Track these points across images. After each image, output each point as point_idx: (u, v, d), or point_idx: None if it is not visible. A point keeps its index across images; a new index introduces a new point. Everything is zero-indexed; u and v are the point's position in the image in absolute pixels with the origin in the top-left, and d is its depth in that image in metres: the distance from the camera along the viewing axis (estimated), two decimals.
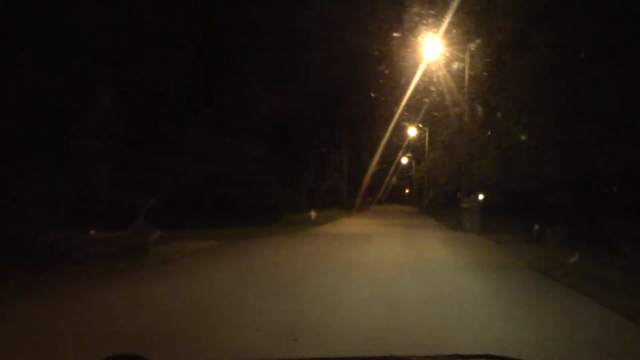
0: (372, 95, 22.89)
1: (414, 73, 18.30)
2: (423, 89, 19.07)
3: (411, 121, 32.72)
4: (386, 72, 18.59)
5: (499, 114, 16.86)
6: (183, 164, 14.51)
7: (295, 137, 26.53)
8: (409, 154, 46.08)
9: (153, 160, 14.40)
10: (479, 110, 17.97)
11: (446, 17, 15.42)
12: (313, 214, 21.88)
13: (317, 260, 9.20)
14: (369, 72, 24.82)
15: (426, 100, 20.48)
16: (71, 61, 13.04)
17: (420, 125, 30.87)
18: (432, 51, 18.02)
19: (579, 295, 6.25)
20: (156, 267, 8.12)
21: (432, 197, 36.58)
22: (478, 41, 16.12)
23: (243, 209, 17.84)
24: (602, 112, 11.16)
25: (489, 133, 18.12)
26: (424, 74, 18.16)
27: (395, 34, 17.06)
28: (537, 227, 13.37)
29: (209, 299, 5.68)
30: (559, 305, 5.84)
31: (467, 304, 5.71)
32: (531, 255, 10.82)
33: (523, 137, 15.14)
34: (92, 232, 10.55)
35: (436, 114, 20.66)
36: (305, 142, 28.68)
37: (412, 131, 36.74)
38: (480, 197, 19.54)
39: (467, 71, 17.35)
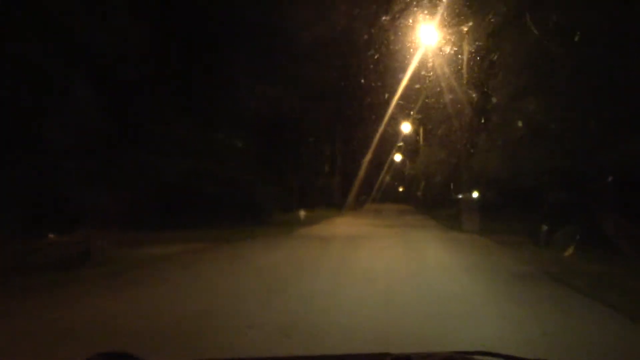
0: (362, 81, 21.58)
1: (409, 62, 17.10)
2: (419, 79, 17.91)
3: (405, 115, 31.56)
4: (376, 57, 17.36)
5: (497, 101, 15.88)
6: (162, 160, 13.29)
7: (287, 133, 25.41)
8: (403, 151, 45.13)
9: (129, 155, 13.22)
10: (479, 98, 16.86)
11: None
12: (302, 213, 20.79)
13: (301, 271, 8.05)
14: (363, 66, 23.70)
15: (422, 90, 19.28)
16: (41, 51, 11.88)
17: (416, 117, 29.70)
18: (429, 37, 16.79)
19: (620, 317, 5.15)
20: (83, 283, 6.42)
21: (424, 191, 35.69)
22: (471, 24, 15.06)
23: (228, 209, 16.73)
24: (601, 104, 10.60)
25: (490, 124, 17.06)
26: (419, 64, 17.01)
27: (386, 19, 15.94)
28: (545, 227, 12.32)
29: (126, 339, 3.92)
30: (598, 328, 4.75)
31: (481, 324, 4.62)
32: (542, 259, 9.78)
33: (520, 125, 14.27)
34: (50, 235, 9.40)
35: (431, 99, 19.43)
36: (297, 138, 27.56)
37: (406, 127, 35.63)
38: (475, 194, 18.56)
39: (465, 55, 16.23)
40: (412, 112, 28.73)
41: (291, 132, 26.04)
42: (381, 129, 30.90)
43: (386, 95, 22.74)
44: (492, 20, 14.04)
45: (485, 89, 16.31)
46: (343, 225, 19.91)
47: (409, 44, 15.59)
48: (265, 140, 22.42)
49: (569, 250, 10.04)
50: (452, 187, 29.78)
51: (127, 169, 12.40)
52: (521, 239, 13.65)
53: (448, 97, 18.44)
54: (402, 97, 21.43)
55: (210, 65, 17.66)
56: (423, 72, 17.28)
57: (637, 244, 9.20)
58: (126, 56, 13.14)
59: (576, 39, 10.61)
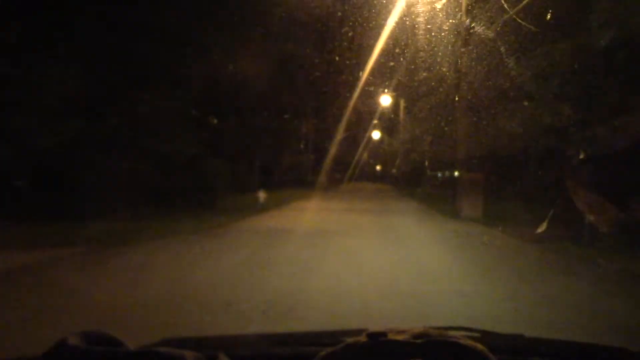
0: (337, 58, 18.47)
1: (383, 37, 13.84)
2: (394, 56, 14.96)
3: (382, 92, 27.98)
4: (351, 34, 14.45)
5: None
6: (28, 120, 8.89)
7: (251, 103, 21.45)
8: (381, 129, 41.63)
9: None
10: (455, 75, 13.74)
11: None
12: (262, 195, 16.75)
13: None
14: (337, 42, 20.24)
15: (397, 67, 16.24)
16: None
17: (393, 94, 26.69)
18: (404, 11, 13.28)
19: None
20: None
21: (403, 170, 33.16)
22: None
23: (158, 191, 12.65)
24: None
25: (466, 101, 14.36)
26: (394, 40, 13.75)
27: None
28: (589, 219, 8.67)
29: None
30: None
31: None
32: (618, 279, 6.04)
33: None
34: None
35: (406, 77, 16.73)
36: (262, 109, 23.62)
37: (385, 101, 31.82)
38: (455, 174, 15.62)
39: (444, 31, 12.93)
40: (386, 90, 26.34)
41: (257, 103, 22.18)
42: (352, 102, 27.30)
43: (361, 73, 19.86)
44: None
45: (458, 65, 13.91)
46: (309, 212, 15.99)
47: (383, 20, 12.69)
48: (226, 111, 19.42)
49: (542, 227, 8.57)
50: (426, 164, 26.85)
51: None
52: (546, 232, 9.97)
53: (423, 74, 15.45)
54: (378, 73, 18.52)
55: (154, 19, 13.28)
56: (397, 50, 14.58)
57: (610, 221, 8.38)
58: None
59: (548, 17, 10.28)
